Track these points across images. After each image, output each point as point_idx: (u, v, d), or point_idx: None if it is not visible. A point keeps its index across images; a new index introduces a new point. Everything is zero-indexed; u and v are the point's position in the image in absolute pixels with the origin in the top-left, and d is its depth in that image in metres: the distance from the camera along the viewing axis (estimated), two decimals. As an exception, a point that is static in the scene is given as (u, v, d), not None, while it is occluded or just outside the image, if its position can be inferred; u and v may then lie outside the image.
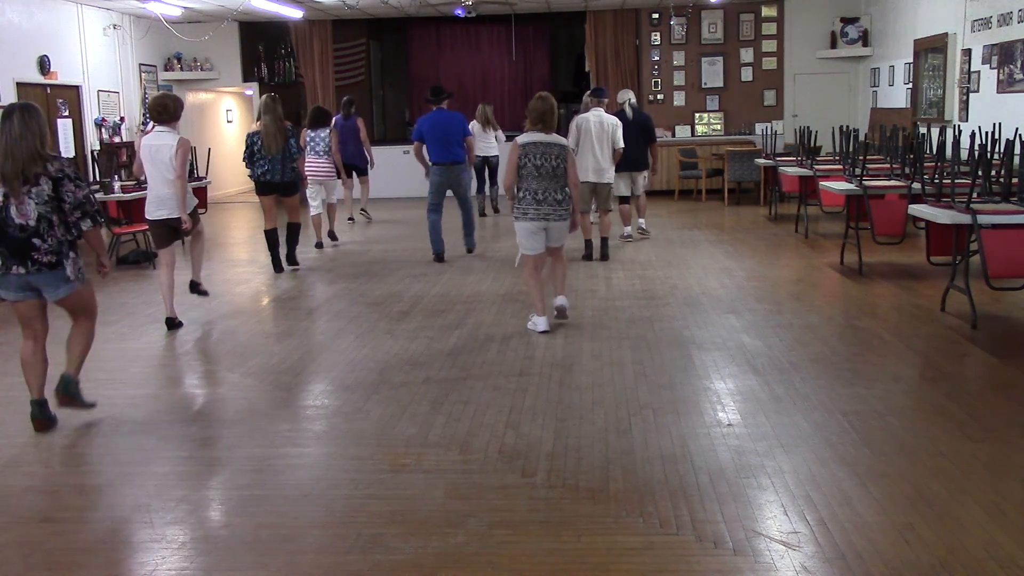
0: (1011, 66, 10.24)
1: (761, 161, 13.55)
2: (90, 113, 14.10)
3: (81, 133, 13.88)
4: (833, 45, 15.96)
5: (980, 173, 7.26)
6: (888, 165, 10.01)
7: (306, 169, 10.64)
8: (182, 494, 4.11)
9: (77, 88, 13.78)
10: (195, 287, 7.74)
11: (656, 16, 16.57)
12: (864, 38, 15.72)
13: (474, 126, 13.06)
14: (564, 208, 6.67)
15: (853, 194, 8.69)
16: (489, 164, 14.02)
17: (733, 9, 16.36)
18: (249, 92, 17.57)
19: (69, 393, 4.95)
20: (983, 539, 3.42)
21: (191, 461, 4.51)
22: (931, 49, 12.50)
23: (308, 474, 4.32)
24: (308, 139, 10.99)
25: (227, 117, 18.97)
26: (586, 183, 9.12)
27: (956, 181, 7.37)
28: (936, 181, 8.17)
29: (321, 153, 10.93)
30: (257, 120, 9.35)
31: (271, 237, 9.51)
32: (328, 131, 11.04)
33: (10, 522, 3.83)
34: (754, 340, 6.34)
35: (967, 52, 11.40)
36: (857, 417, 4.74)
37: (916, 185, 8.18)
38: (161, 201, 7.08)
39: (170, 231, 7.22)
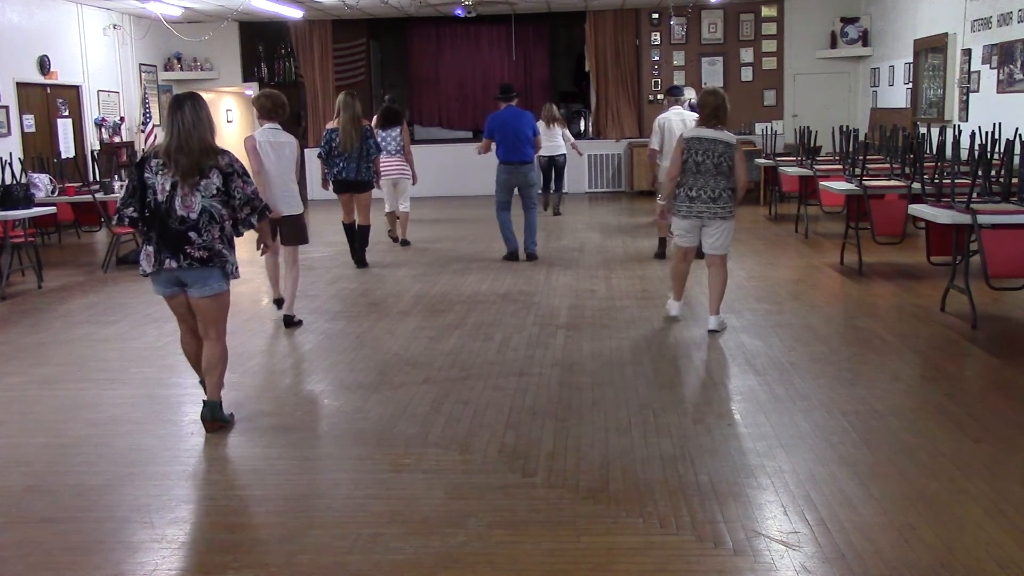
0: (1011, 66, 10.24)
1: (761, 161, 13.55)
2: (90, 113, 14.11)
3: (81, 133, 13.89)
4: (833, 45, 15.96)
5: (980, 173, 7.26)
6: (888, 165, 10.00)
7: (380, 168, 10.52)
8: (182, 494, 4.11)
9: (77, 88, 13.79)
10: (289, 320, 7.22)
11: (656, 16, 16.58)
12: (864, 38, 15.72)
13: (539, 125, 12.87)
14: (720, 206, 6.46)
15: (853, 194, 8.69)
16: (556, 164, 13.83)
17: (733, 9, 16.36)
18: (249, 92, 17.54)
19: (217, 419, 4.79)
20: (983, 539, 3.42)
21: (191, 461, 4.50)
22: (931, 49, 12.51)
23: (308, 474, 4.32)
24: (380, 139, 10.74)
25: (227, 117, 18.96)
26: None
27: (956, 181, 7.37)
28: (936, 181, 8.17)
29: (393, 152, 10.78)
30: (336, 117, 9.34)
31: (349, 231, 9.71)
32: (399, 129, 10.84)
33: (10, 522, 3.83)
34: (754, 340, 6.33)
35: (967, 52, 11.40)
36: (857, 417, 4.74)
37: (916, 185, 8.18)
38: (293, 196, 6.97)
39: (293, 227, 7.08)
